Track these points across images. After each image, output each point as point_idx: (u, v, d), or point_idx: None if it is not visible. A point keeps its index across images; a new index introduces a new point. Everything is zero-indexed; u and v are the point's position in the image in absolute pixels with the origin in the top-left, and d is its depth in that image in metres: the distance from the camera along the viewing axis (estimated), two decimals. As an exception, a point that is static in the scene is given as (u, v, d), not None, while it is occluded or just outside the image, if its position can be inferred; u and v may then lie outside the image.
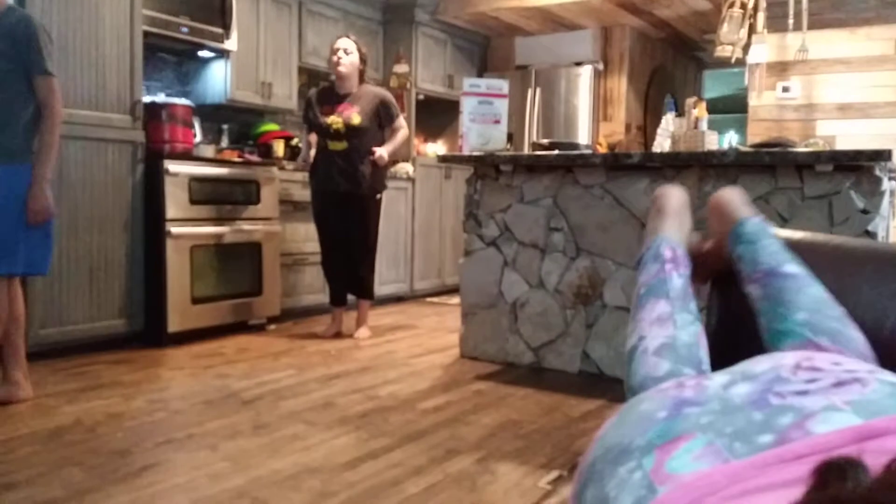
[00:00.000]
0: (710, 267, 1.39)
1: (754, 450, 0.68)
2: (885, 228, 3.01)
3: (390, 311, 5.23)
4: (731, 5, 4.59)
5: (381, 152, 4.13)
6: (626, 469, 0.74)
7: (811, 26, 4.86)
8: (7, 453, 2.32)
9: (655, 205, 1.46)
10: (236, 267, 4.27)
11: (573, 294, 3.53)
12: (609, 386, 3.28)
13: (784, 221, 3.00)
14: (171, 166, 3.90)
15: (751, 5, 4.63)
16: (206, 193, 4.09)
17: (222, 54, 4.56)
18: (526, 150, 5.68)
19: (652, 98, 6.59)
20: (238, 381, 3.26)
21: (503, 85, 3.95)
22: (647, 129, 6.42)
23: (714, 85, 8.37)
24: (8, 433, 2.51)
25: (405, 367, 3.62)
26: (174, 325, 3.92)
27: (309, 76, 5.32)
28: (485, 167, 3.76)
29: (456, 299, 4.73)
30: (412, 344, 4.17)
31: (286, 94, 5.04)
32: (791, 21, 4.75)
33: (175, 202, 3.92)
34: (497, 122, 3.87)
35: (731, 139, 8.94)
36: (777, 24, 4.98)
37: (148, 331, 3.91)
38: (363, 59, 4.19)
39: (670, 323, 1.16)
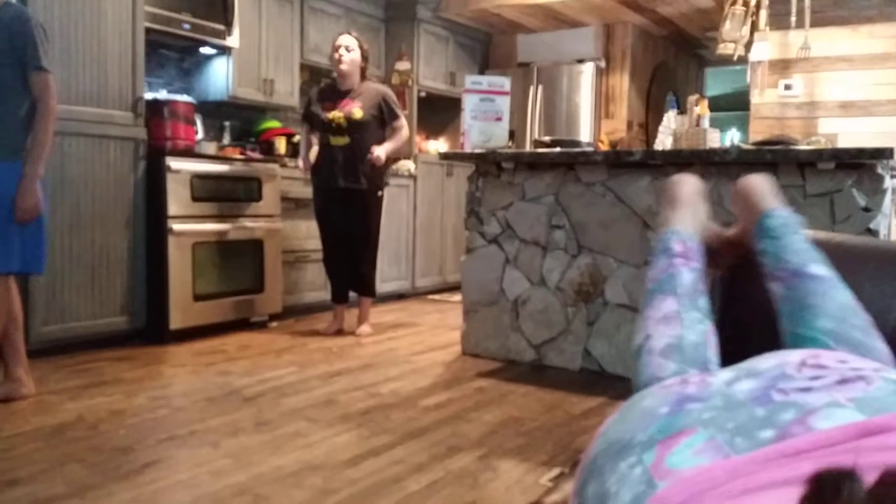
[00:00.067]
0: (731, 255, 1.33)
1: (755, 445, 0.68)
2: (886, 226, 3.01)
3: (392, 309, 5.23)
4: (734, 3, 4.58)
5: (379, 152, 4.09)
6: (627, 464, 0.74)
7: (813, 24, 4.85)
8: (9, 450, 2.33)
9: (667, 194, 1.39)
10: (238, 264, 4.27)
11: (574, 291, 3.54)
12: (610, 383, 3.28)
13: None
14: (173, 163, 3.90)
15: (753, 3, 4.63)
16: (208, 190, 4.09)
17: (224, 51, 4.56)
18: (528, 148, 5.67)
19: (654, 95, 6.58)
20: (240, 378, 3.26)
21: (505, 82, 3.95)
22: (649, 127, 6.42)
23: (716, 82, 8.36)
24: (10, 430, 2.51)
25: (407, 364, 3.62)
26: (176, 322, 3.92)
27: (311, 73, 5.31)
28: (486, 164, 3.76)
29: (457, 297, 4.73)
30: (414, 341, 4.17)
31: (288, 90, 5.04)
32: (793, 18, 4.74)
33: (177, 199, 3.92)
34: (499, 119, 3.87)
35: (732, 137, 8.92)
36: (779, 21, 4.97)
37: (150, 328, 3.92)
38: (365, 56, 4.19)
39: (677, 322, 1.13)
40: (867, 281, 1.25)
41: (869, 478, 0.49)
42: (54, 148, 3.44)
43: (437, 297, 5.87)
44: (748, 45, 4.87)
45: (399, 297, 5.67)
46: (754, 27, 4.81)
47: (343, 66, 4.11)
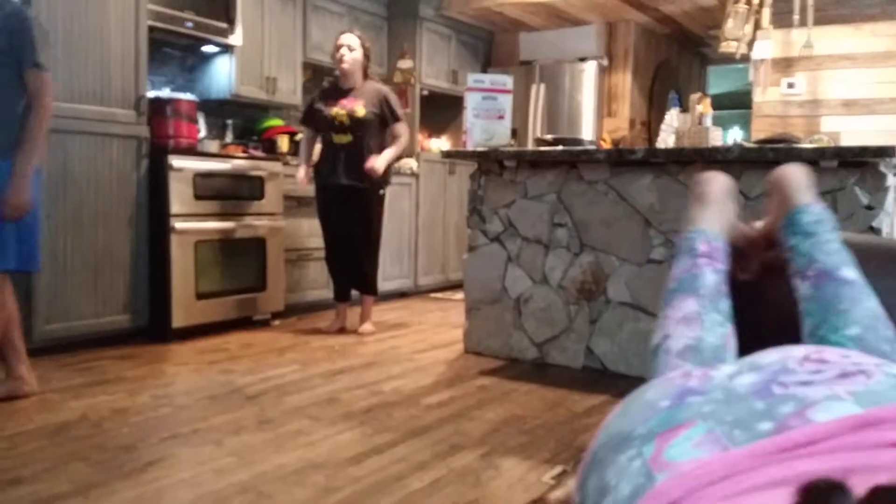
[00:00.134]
0: (758, 258, 1.28)
1: (753, 437, 0.68)
2: (889, 224, 3.01)
3: (394, 307, 5.23)
4: (737, 1, 4.58)
5: (376, 163, 4.06)
6: (627, 457, 0.74)
7: (816, 22, 4.84)
8: (13, 448, 2.33)
9: (695, 191, 1.36)
10: (240, 262, 4.28)
11: (577, 290, 3.54)
12: (612, 381, 3.28)
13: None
14: (176, 161, 3.90)
15: (756, 1, 4.62)
16: (211, 189, 4.10)
17: (227, 49, 4.56)
18: (530, 146, 5.67)
19: (656, 94, 6.58)
20: (242, 376, 3.27)
21: (507, 80, 3.94)
22: (652, 125, 6.41)
23: (718, 81, 8.35)
24: (14, 428, 2.52)
25: (409, 362, 3.63)
26: (178, 320, 3.93)
27: (313, 71, 5.32)
28: (489, 163, 3.76)
29: (460, 295, 4.73)
30: (416, 339, 4.18)
31: (290, 89, 5.04)
32: (796, 17, 4.74)
33: (179, 197, 3.92)
34: (501, 117, 3.86)
35: (735, 135, 8.92)
36: (782, 19, 4.96)
37: (152, 326, 3.92)
38: (367, 55, 4.19)
39: (698, 323, 1.10)
40: (869, 279, 1.25)
41: (859, 490, 0.49)
42: (57, 146, 3.46)
43: (439, 295, 5.87)
44: (751, 44, 4.87)
45: (401, 295, 5.68)
46: (757, 25, 4.81)
47: (345, 66, 4.11)
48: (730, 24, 4.58)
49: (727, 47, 4.66)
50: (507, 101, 3.88)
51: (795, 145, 3.19)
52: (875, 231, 2.87)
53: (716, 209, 1.31)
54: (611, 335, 3.45)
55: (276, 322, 4.52)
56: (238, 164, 4.28)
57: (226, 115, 4.90)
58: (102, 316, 3.71)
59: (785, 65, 5.27)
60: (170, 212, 3.88)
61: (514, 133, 4.29)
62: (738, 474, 0.61)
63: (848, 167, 2.92)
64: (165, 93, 4.23)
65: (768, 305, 1.27)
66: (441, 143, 6.36)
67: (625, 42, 6.20)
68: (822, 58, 5.12)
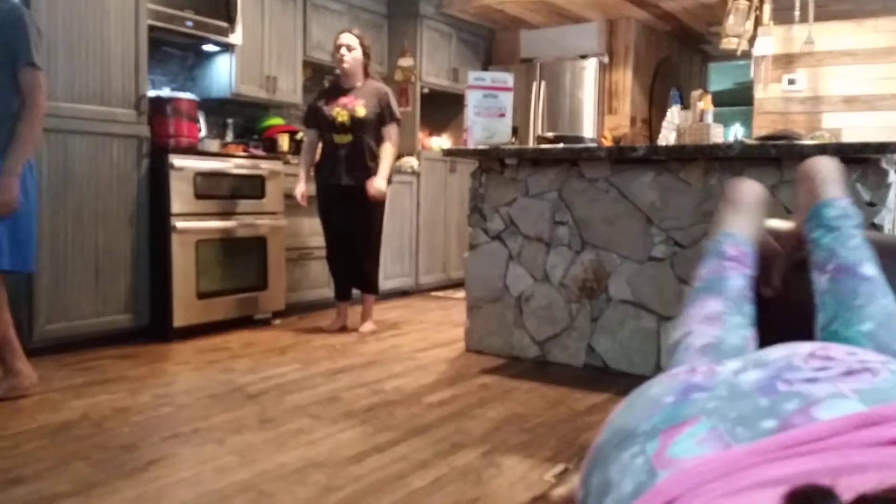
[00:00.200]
0: (784, 267, 1.27)
1: (757, 435, 0.68)
2: (891, 221, 3.00)
3: (395, 306, 5.23)
4: (737, -3, 4.57)
5: (379, 185, 4.06)
6: (630, 454, 0.73)
7: (817, 18, 4.84)
8: (14, 448, 2.34)
9: (727, 196, 1.37)
10: (241, 261, 4.28)
11: (578, 288, 3.53)
12: (614, 379, 3.28)
13: (790, 214, 2.98)
14: (176, 161, 3.90)
15: (757, -3, 4.61)
16: (211, 188, 4.10)
17: (227, 48, 4.56)
18: (531, 144, 5.67)
19: (657, 91, 6.57)
20: (243, 375, 3.27)
21: (508, 78, 3.94)
22: (653, 123, 6.40)
23: (719, 77, 8.34)
24: (15, 427, 2.52)
25: (410, 361, 3.62)
26: (179, 319, 3.93)
27: (314, 70, 5.31)
28: (490, 161, 3.75)
29: (461, 293, 4.73)
30: (417, 338, 4.17)
31: (291, 88, 5.03)
32: (797, 13, 4.73)
33: (180, 197, 3.92)
34: (502, 115, 3.86)
35: (736, 132, 8.90)
36: (783, 16, 4.95)
37: (153, 326, 3.92)
38: (367, 54, 4.19)
39: (720, 323, 1.11)
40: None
41: (847, 496, 0.49)
42: (57, 146, 3.46)
43: (440, 293, 5.87)
44: (752, 40, 4.86)
45: (402, 294, 5.67)
46: (758, 22, 4.80)
47: (346, 66, 4.11)
48: (731, 21, 4.57)
49: (728, 44, 4.65)
50: (507, 99, 3.88)
51: (797, 142, 3.18)
52: (877, 228, 2.87)
53: (747, 216, 1.31)
54: (612, 333, 3.45)
55: (277, 321, 4.52)
56: (239, 163, 4.28)
57: (226, 115, 4.90)
58: (103, 315, 3.71)
59: (786, 61, 5.26)
60: (170, 211, 3.88)
61: (514, 131, 4.28)
62: (739, 472, 0.61)
63: (849, 164, 2.90)
64: (166, 92, 4.22)
65: (792, 308, 1.26)
66: (442, 142, 6.35)
67: (625, 39, 6.19)
68: (823, 54, 5.11)
